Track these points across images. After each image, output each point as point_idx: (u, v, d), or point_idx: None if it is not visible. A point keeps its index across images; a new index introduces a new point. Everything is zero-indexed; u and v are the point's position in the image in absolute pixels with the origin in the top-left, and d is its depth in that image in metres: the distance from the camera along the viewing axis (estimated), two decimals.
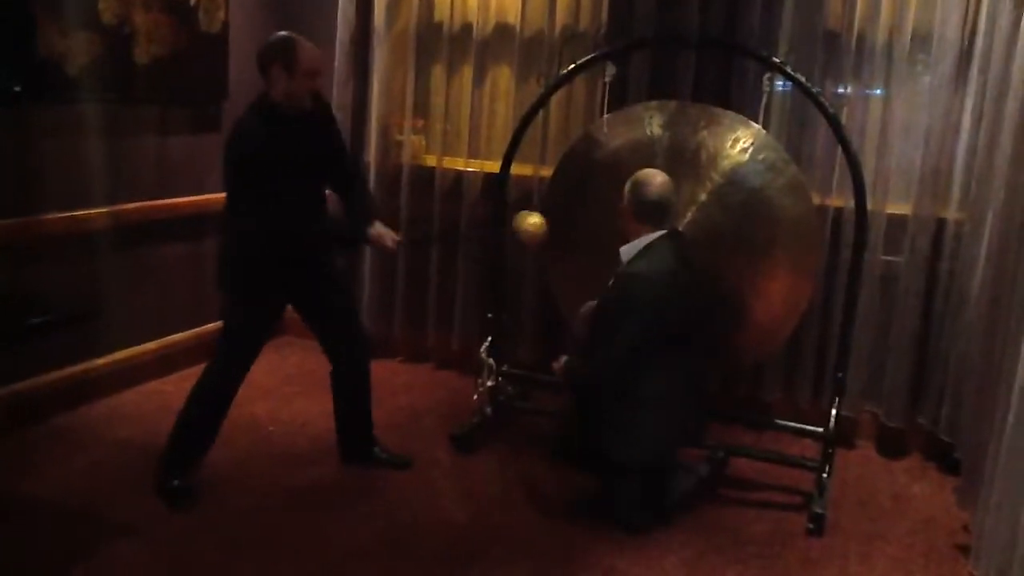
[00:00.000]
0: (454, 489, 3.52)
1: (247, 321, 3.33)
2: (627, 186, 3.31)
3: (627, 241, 3.33)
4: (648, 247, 3.28)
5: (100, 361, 4.09)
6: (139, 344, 4.30)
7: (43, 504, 3.22)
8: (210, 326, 4.63)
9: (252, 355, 3.37)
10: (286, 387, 4.42)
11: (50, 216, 3.73)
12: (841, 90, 4.01)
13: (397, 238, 3.44)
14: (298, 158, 3.18)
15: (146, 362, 4.33)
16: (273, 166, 3.09)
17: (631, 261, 3.29)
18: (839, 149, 3.65)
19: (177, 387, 4.28)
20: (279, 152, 3.10)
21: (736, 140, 3.65)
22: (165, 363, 4.41)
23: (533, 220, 3.52)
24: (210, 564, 2.93)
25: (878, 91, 3.95)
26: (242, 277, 3.31)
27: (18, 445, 3.58)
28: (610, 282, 3.32)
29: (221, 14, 4.40)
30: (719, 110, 3.75)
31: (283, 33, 3.20)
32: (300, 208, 3.21)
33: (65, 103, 3.75)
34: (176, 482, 3.29)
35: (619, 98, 4.02)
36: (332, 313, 3.51)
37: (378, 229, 3.40)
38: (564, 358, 3.38)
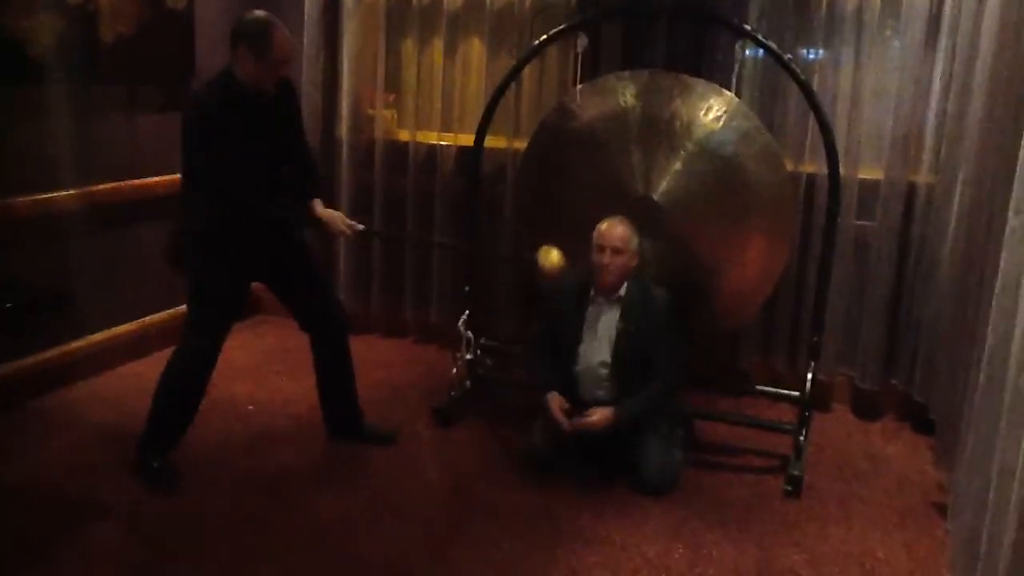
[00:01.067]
0: (436, 462, 3.55)
1: (213, 299, 3.28)
2: (632, 239, 3.38)
3: (620, 285, 3.41)
4: (638, 275, 3.45)
5: (75, 344, 4.06)
6: (114, 326, 4.27)
7: (21, 487, 3.20)
8: (185, 307, 4.61)
9: (221, 333, 3.32)
10: (264, 366, 4.41)
11: (20, 199, 3.69)
12: (812, 56, 4.02)
13: (354, 224, 3.36)
14: (254, 136, 3.12)
15: (122, 344, 4.30)
16: (228, 141, 3.04)
17: (642, 293, 3.42)
18: (811, 115, 3.67)
19: (153, 369, 4.20)
20: (235, 127, 3.05)
21: (709, 108, 3.65)
22: (141, 345, 4.38)
23: (553, 259, 3.41)
24: (190, 544, 2.93)
25: (848, 52, 3.95)
26: (203, 254, 3.25)
27: None
28: (629, 323, 3.39)
29: None
30: (692, 79, 3.75)
31: (260, 14, 3.10)
32: (253, 186, 3.14)
33: (30, 84, 3.69)
34: (156, 463, 3.27)
35: (591, 69, 4.01)
36: (304, 288, 3.48)
37: (326, 211, 3.34)
38: (598, 412, 3.32)
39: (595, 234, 3.39)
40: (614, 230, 3.38)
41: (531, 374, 3.60)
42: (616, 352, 3.41)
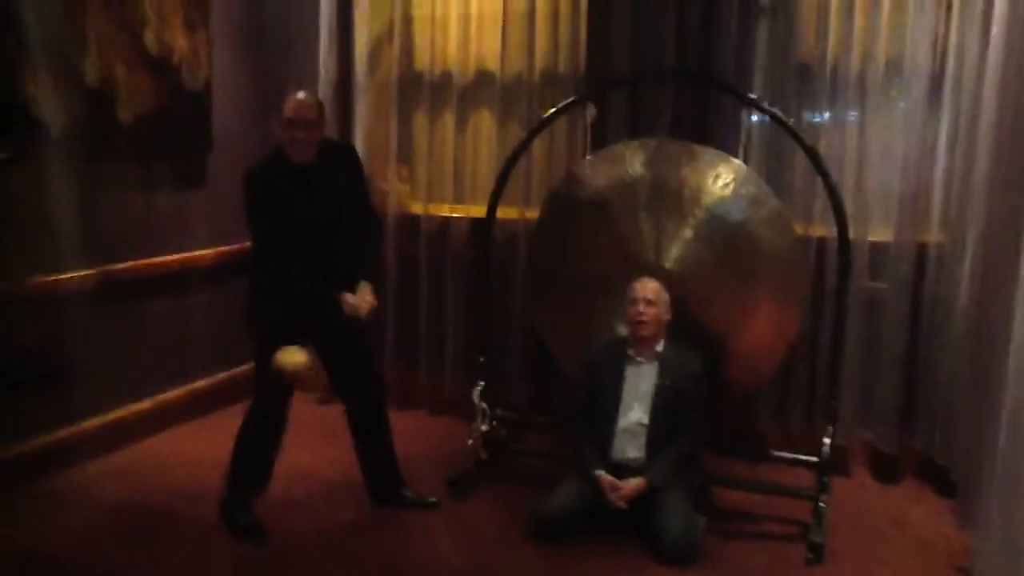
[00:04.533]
0: (451, 533, 3.51)
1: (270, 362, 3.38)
2: (663, 293, 3.54)
3: (656, 340, 3.55)
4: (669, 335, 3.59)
5: (91, 421, 4.06)
6: (130, 403, 4.28)
7: (37, 565, 3.19)
8: (200, 383, 4.63)
9: (282, 394, 3.44)
10: None
11: (37, 279, 3.73)
12: (817, 119, 4.06)
13: (373, 303, 3.39)
14: (301, 205, 3.25)
15: (138, 420, 4.30)
16: (270, 211, 3.21)
17: (677, 352, 3.57)
18: (819, 179, 3.69)
19: (171, 444, 4.27)
20: (279, 197, 3.22)
21: (717, 176, 3.68)
22: (157, 420, 4.39)
23: (296, 358, 3.25)
24: None
25: (853, 115, 3.99)
26: (261, 318, 3.40)
27: (10, 507, 3.55)
28: (667, 381, 3.53)
29: (204, 71, 4.44)
30: (699, 147, 3.79)
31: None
32: (287, 258, 3.26)
33: (48, 163, 3.74)
34: (243, 521, 3.40)
35: (601, 138, 4.07)
36: (343, 356, 3.52)
37: (352, 299, 3.33)
38: (632, 484, 3.41)
39: (629, 290, 3.55)
40: (647, 284, 3.56)
41: (575, 448, 3.62)
42: (654, 409, 3.51)
